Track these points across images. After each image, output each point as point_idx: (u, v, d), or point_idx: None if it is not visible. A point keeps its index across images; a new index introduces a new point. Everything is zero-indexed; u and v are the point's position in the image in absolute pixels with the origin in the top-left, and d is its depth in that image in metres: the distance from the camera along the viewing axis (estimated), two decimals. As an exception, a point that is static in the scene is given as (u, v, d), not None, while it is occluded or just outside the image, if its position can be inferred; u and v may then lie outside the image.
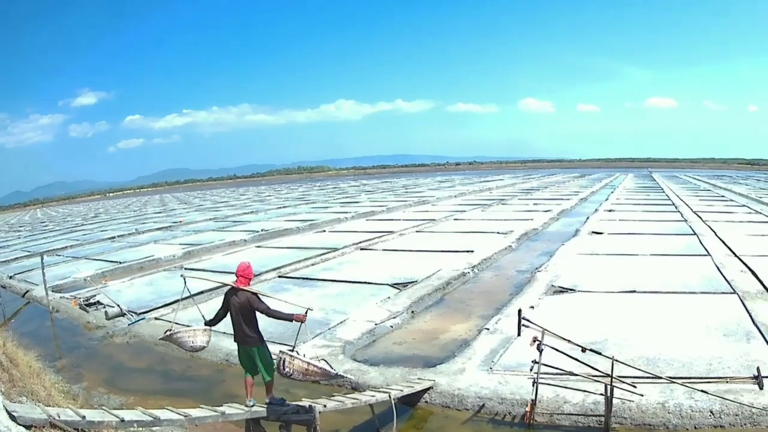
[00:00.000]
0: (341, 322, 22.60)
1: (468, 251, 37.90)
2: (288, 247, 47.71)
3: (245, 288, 13.27)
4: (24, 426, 10.84)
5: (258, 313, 13.66)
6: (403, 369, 18.54)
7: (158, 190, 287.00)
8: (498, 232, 45.97)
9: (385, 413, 15.69)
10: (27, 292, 39.25)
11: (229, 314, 13.65)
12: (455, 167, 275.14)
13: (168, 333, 14.74)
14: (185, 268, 41.22)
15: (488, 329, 21.72)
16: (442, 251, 38.72)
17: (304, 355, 13.44)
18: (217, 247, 52.49)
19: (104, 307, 30.65)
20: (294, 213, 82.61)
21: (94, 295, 33.05)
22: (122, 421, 11.78)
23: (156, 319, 28.18)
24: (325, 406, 13.79)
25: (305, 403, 13.67)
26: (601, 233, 43.36)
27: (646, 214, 55.20)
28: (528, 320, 15.69)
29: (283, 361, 12.75)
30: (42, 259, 35.75)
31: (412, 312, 25.29)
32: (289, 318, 13.57)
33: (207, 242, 54.94)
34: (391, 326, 23.16)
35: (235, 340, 13.96)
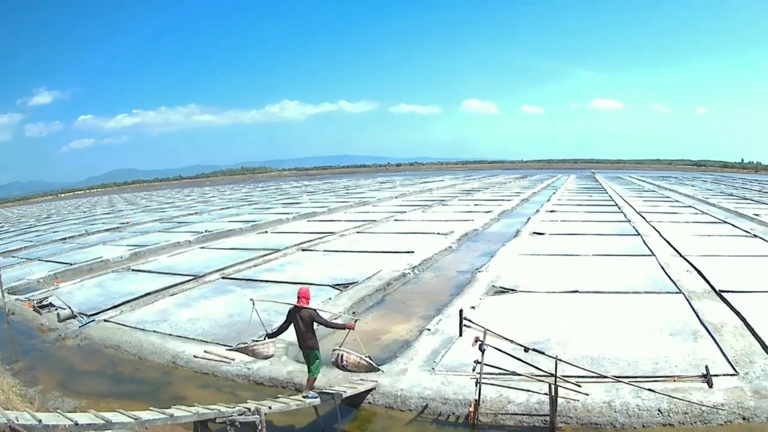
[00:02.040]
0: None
1: (408, 252, 38.12)
2: (231, 248, 47.47)
3: (307, 306, 15.35)
4: None
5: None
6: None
7: (107, 190, 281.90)
8: (438, 233, 46.04)
9: (330, 414, 15.56)
10: None
11: (293, 326, 15.62)
12: (396, 168, 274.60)
13: (243, 345, 18.53)
14: (132, 269, 41.03)
15: (429, 330, 21.74)
16: (383, 252, 38.93)
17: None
18: (162, 248, 52.05)
19: (56, 309, 30.32)
20: (237, 214, 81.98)
21: (47, 297, 32.65)
22: (76, 424, 11.84)
23: (105, 321, 27.93)
24: (270, 407, 13.85)
25: (251, 404, 13.63)
26: (542, 234, 43.54)
27: (589, 215, 55.75)
28: (469, 320, 15.82)
29: (341, 356, 16.69)
30: None
31: (353, 313, 24.91)
32: (342, 327, 16.66)
33: (153, 243, 54.48)
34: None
35: (300, 347, 15.87)
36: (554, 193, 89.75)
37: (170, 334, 24.81)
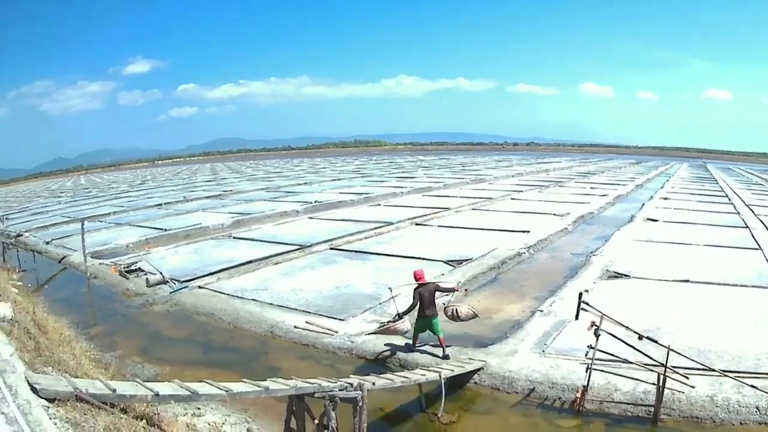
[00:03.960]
0: (393, 297, 21.42)
1: (524, 231, 38.59)
2: (341, 220, 47.78)
3: (427, 281, 18.31)
4: (47, 399, 10.29)
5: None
6: (454, 348, 18.67)
7: (210, 158, 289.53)
8: (555, 214, 46.66)
9: (433, 392, 15.74)
10: (64, 257, 39.28)
11: (420, 302, 17.99)
12: (513, 147, 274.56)
13: (382, 326, 19.91)
14: (233, 237, 41.48)
15: (542, 311, 22.08)
16: (498, 230, 39.59)
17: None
18: (267, 216, 52.52)
19: (145, 274, 30.51)
20: (349, 186, 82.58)
21: (136, 262, 32.93)
22: (157, 395, 11.09)
23: (200, 288, 27.95)
24: (374, 383, 13.65)
25: (353, 380, 13.32)
26: (656, 221, 43.83)
27: (700, 205, 55.89)
28: (588, 304, 15.58)
29: (455, 310, 19.17)
30: (82, 225, 35.15)
31: (466, 290, 24.94)
32: (452, 290, 19.96)
33: (257, 212, 54.98)
34: (443, 303, 22.03)
35: (421, 315, 18.06)
36: (667, 180, 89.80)
37: (270, 303, 24.65)
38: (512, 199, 59.89)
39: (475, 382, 16.79)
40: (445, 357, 17.76)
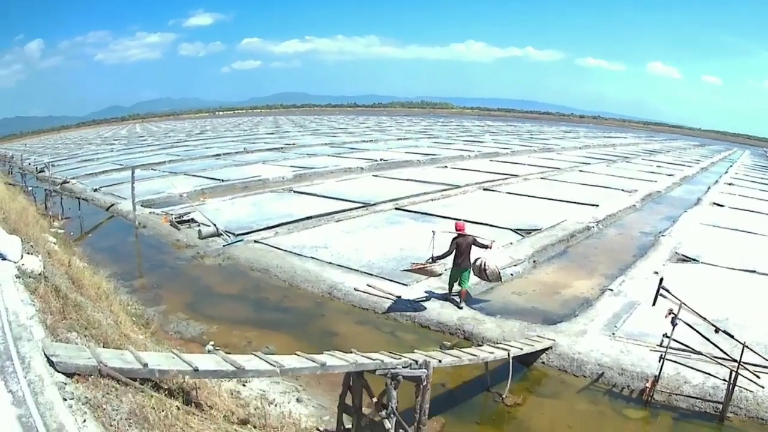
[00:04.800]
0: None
1: (593, 205, 38.34)
2: (407, 179, 47.33)
3: (468, 233, 19.78)
4: (64, 374, 9.15)
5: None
6: (522, 323, 18.55)
7: (273, 112, 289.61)
8: (623, 190, 46.34)
9: (499, 370, 15.14)
10: (112, 205, 39.19)
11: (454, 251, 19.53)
12: (579, 119, 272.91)
13: (417, 266, 19.78)
14: (294, 191, 41.03)
15: (612, 290, 21.72)
16: (567, 202, 39.19)
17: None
18: (330, 172, 52.29)
19: (198, 225, 30.17)
20: (415, 146, 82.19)
21: (189, 213, 32.56)
22: (196, 370, 9.98)
23: (256, 242, 27.46)
24: (440, 361, 13.17)
25: (418, 356, 12.83)
26: (722, 206, 43.16)
27: (764, 194, 54.69)
28: (667, 291, 14.88)
29: (484, 263, 19.51)
30: (132, 172, 35.08)
31: (534, 261, 25.46)
32: (489, 245, 19.94)
33: (320, 167, 54.77)
34: (512, 274, 23.16)
35: (455, 265, 19.63)
36: (731, 166, 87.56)
37: (330, 263, 24.07)
38: (580, 171, 59.63)
39: (543, 362, 16.49)
40: (459, 307, 19.61)
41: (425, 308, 19.57)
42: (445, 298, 20.08)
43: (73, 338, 11.42)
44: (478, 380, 15.43)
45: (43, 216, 35.06)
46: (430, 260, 19.50)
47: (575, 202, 38.61)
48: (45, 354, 9.60)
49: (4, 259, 16.23)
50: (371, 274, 22.58)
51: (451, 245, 19.58)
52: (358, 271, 23.04)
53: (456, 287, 20.08)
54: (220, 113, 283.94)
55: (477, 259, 19.60)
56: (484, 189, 43.65)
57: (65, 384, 8.85)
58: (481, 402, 14.96)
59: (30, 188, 47.96)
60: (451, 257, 19.69)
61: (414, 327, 18.88)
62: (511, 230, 29.46)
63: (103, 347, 11.24)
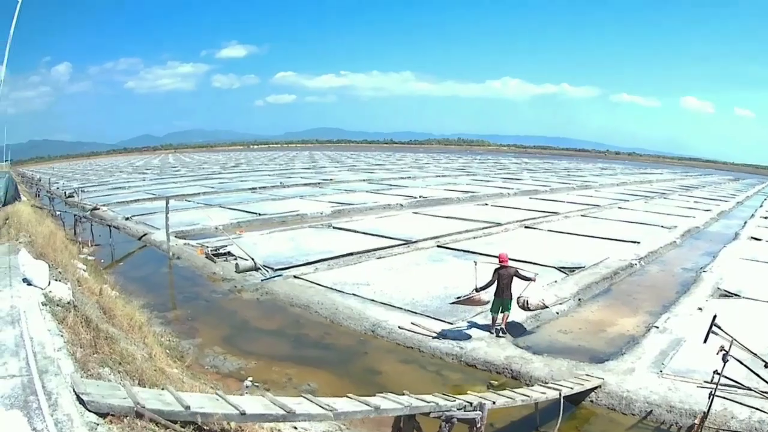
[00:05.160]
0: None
1: (634, 242, 38.35)
2: (447, 217, 47.02)
3: (511, 265, 20.40)
4: (97, 414, 8.55)
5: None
6: (569, 361, 18.38)
7: (308, 146, 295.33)
8: (662, 226, 46.58)
9: (548, 409, 15.02)
10: (145, 235, 39.11)
11: (496, 282, 20.01)
12: (615, 156, 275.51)
13: (464, 297, 20.50)
14: (333, 227, 40.82)
15: (657, 327, 21.68)
16: (608, 239, 39.26)
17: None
18: (370, 208, 52.15)
19: (235, 258, 29.82)
20: (454, 183, 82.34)
21: (225, 246, 32.18)
22: (243, 414, 9.47)
23: (295, 277, 27.09)
24: (494, 402, 13.18)
25: (472, 398, 12.92)
26: (759, 239, 43.42)
27: None
28: (719, 327, 14.53)
29: (526, 301, 20.09)
30: (167, 202, 34.84)
31: (579, 299, 25.41)
32: (531, 279, 20.51)
33: (359, 203, 54.66)
34: (557, 312, 23.24)
35: (497, 295, 20.09)
36: (765, 199, 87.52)
37: (373, 300, 23.65)
38: (619, 208, 59.86)
39: (591, 401, 16.26)
40: (498, 332, 20.36)
41: (472, 347, 19.20)
42: (489, 331, 20.44)
43: (106, 374, 10.87)
44: (527, 420, 15.22)
45: (72, 242, 34.98)
46: (474, 291, 20.03)
47: (616, 239, 38.77)
48: (75, 391, 9.07)
49: (29, 284, 15.81)
50: (415, 312, 22.25)
51: (493, 275, 20.19)
52: (401, 309, 22.69)
53: (499, 316, 20.57)
54: (255, 147, 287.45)
55: (519, 298, 20.22)
56: (526, 227, 43.58)
57: (97, 425, 8.33)
58: (531, 443, 14.77)
59: (59, 213, 48.18)
60: (494, 288, 20.21)
61: (460, 366, 18.56)
62: (555, 268, 29.31)
63: (139, 384, 10.78)
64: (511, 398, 13.87)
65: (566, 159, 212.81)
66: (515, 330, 20.92)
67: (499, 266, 20.25)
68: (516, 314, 21.12)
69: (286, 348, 19.97)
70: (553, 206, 56.26)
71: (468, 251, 32.95)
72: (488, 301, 20.41)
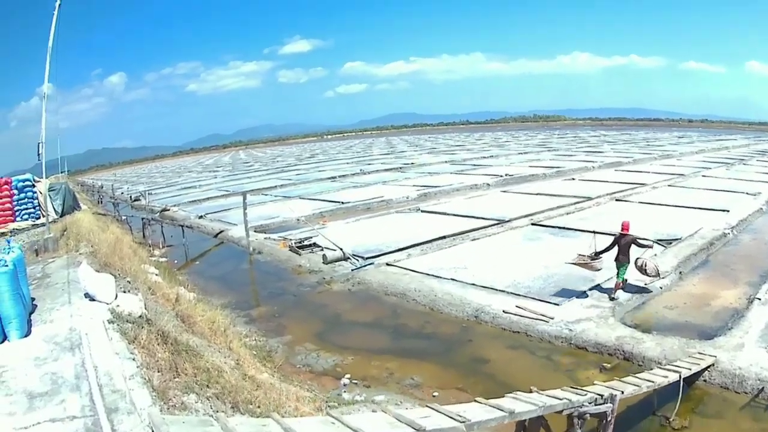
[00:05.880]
0: (608, 279, 22.03)
1: (723, 210, 37.84)
2: (536, 194, 46.57)
3: (630, 233, 21.20)
4: None
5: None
6: (680, 339, 17.86)
7: (383, 133, 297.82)
8: (747, 193, 45.72)
9: (663, 392, 14.56)
10: (221, 232, 38.78)
11: (616, 247, 21.22)
12: (688, 124, 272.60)
13: (580, 259, 21.88)
14: (421, 210, 40.26)
15: (759, 299, 21.05)
16: (698, 208, 38.80)
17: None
18: (456, 190, 51.53)
19: (321, 249, 29.34)
20: (537, 159, 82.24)
21: (309, 237, 31.65)
22: None
23: (388, 265, 26.39)
24: (622, 392, 12.71)
25: (603, 390, 12.50)
26: None
27: None
28: None
29: (645, 263, 21.45)
30: (244, 197, 34.17)
31: (680, 273, 24.93)
32: (649, 246, 22.07)
33: (444, 185, 53.99)
34: (661, 287, 22.77)
35: (616, 259, 21.09)
36: None
37: (473, 284, 22.79)
38: (703, 176, 58.88)
39: (705, 380, 15.83)
40: (612, 298, 20.97)
41: (581, 329, 18.64)
42: (609, 297, 21.14)
43: (192, 402, 9.73)
44: (643, 403, 14.77)
45: (141, 245, 34.95)
46: (594, 254, 21.56)
47: (706, 209, 38.27)
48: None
49: (92, 300, 14.96)
50: (519, 295, 21.71)
51: (612, 242, 21.52)
52: (504, 291, 22.03)
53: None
54: (328, 137, 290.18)
55: (638, 259, 21.55)
56: (616, 200, 43.16)
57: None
58: (648, 427, 14.43)
59: (124, 217, 48.57)
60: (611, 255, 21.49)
61: (570, 349, 18.06)
62: (652, 240, 26.88)
63: (233, 408, 9.93)
64: (637, 386, 13.50)
65: (643, 130, 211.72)
66: (631, 288, 21.75)
67: (619, 233, 21.34)
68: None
69: (384, 340, 19.27)
70: (639, 177, 56.01)
71: (563, 227, 32.78)
72: (600, 269, 21.69)
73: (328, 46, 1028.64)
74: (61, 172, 55.52)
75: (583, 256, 21.88)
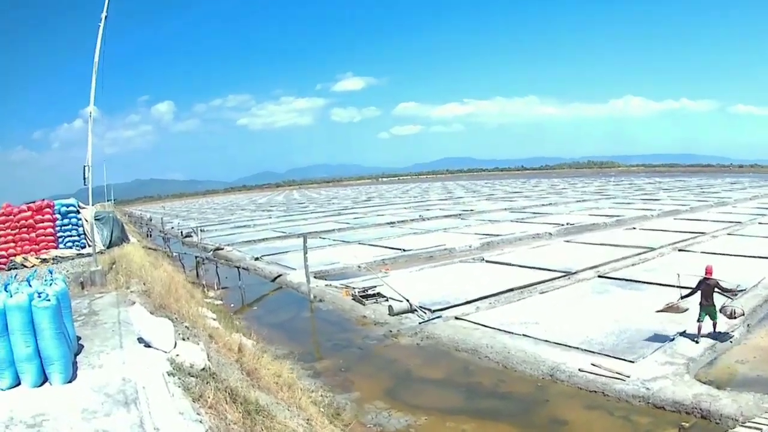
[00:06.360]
0: (681, 334, 22.10)
1: None
2: (599, 244, 45.84)
3: (713, 277, 21.72)
4: None
5: None
6: (755, 395, 17.09)
7: (439, 177, 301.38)
8: None
9: None
10: (279, 276, 38.16)
11: (700, 292, 21.73)
12: (738, 169, 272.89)
13: (668, 305, 22.79)
14: (486, 260, 39.44)
15: None
16: (760, 257, 37.76)
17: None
18: (519, 239, 50.98)
19: (386, 299, 28.59)
20: (596, 207, 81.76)
21: (374, 286, 30.82)
22: None
23: (457, 318, 25.66)
24: None
25: None
26: None
27: None
28: None
29: (734, 310, 21.79)
30: (305, 240, 33.56)
31: (748, 325, 24.28)
32: (732, 291, 22.89)
33: (507, 234, 53.40)
34: (731, 341, 22.25)
35: (701, 304, 21.54)
36: None
37: (546, 340, 22.21)
38: (759, 223, 58.10)
39: None
40: (716, 336, 21.76)
41: (659, 388, 17.89)
42: (692, 339, 21.71)
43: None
44: None
45: (195, 285, 34.63)
46: (680, 298, 22.60)
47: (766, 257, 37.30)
48: None
49: (148, 346, 13.81)
50: (592, 352, 20.98)
51: (697, 285, 22.20)
52: (578, 348, 21.34)
53: (704, 325, 21.99)
54: (384, 179, 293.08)
55: (725, 308, 22.00)
56: (679, 250, 42.23)
57: None
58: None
59: (176, 254, 48.50)
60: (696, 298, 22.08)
61: (648, 409, 17.30)
62: (718, 292, 26.83)
63: None
64: None
65: (695, 176, 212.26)
66: (722, 337, 21.97)
67: (702, 278, 22.06)
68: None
69: (457, 399, 18.49)
70: (698, 226, 55.39)
71: (630, 280, 32.01)
72: (687, 309, 22.47)
73: (382, 84, 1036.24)
74: (108, 201, 55.64)
75: (669, 303, 22.82)
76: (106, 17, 26.56)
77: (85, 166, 25.95)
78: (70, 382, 12.02)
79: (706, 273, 21.96)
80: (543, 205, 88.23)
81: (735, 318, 22.02)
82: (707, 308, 21.63)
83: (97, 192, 34.30)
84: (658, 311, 23.11)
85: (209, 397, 10.83)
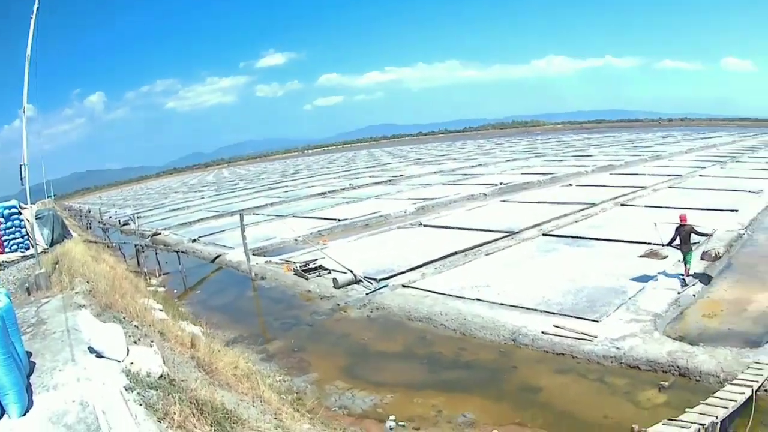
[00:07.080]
0: (640, 290, 22.15)
1: (732, 210, 37.65)
2: (538, 202, 45.95)
3: (688, 223, 23.34)
4: None
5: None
6: (731, 349, 17.13)
7: (364, 145, 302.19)
8: (749, 191, 45.39)
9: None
10: (218, 256, 37.49)
11: (679, 238, 23.47)
12: (668, 123, 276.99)
13: (647, 251, 26.08)
14: (424, 225, 39.26)
15: None
16: (706, 209, 38.09)
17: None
18: (453, 201, 50.68)
19: (329, 272, 28.02)
20: (527, 166, 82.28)
21: (314, 259, 30.25)
22: None
23: (404, 286, 25.17)
24: (717, 417, 12.80)
25: (702, 419, 12.71)
26: None
27: None
28: None
29: (717, 251, 25.58)
30: (241, 218, 33.22)
31: (709, 278, 24.38)
32: (708, 234, 26.57)
33: (441, 197, 53.18)
34: (694, 295, 22.41)
35: (681, 250, 23.34)
36: None
37: (501, 303, 21.74)
38: (700, 175, 58.83)
39: (766, 390, 15.00)
40: (683, 284, 22.83)
41: (630, 346, 17.76)
42: (682, 284, 22.79)
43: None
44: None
45: (137, 274, 33.84)
46: (661, 246, 25.19)
47: (715, 209, 37.84)
48: None
49: (100, 356, 12.63)
50: (552, 313, 20.74)
51: (675, 232, 23.77)
52: (536, 310, 21.07)
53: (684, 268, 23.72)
54: (309, 151, 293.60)
55: (710, 251, 25.80)
56: (621, 204, 42.95)
57: None
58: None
59: (115, 244, 47.84)
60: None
61: (622, 369, 17.12)
62: (672, 246, 26.85)
63: None
64: (725, 407, 13.20)
65: (624, 131, 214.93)
66: (704, 279, 23.57)
67: (678, 225, 23.68)
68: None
69: (420, 372, 17.96)
70: (637, 180, 55.34)
71: (576, 237, 32.20)
72: (666, 256, 25.59)
73: (303, 58, 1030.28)
74: (48, 197, 54.21)
75: (650, 248, 26.38)
76: (37, 9, 25.63)
77: (21, 165, 25.04)
78: (26, 412, 10.61)
79: (680, 220, 23.58)
80: (472, 166, 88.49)
81: (720, 258, 25.02)
82: (687, 252, 23.39)
83: (37, 189, 33.64)
84: (639, 256, 25.97)
85: (175, 414, 9.81)
